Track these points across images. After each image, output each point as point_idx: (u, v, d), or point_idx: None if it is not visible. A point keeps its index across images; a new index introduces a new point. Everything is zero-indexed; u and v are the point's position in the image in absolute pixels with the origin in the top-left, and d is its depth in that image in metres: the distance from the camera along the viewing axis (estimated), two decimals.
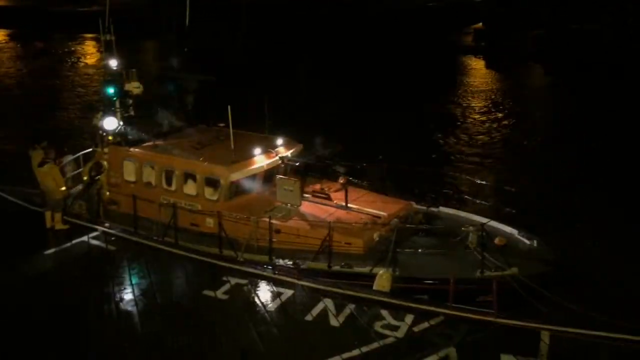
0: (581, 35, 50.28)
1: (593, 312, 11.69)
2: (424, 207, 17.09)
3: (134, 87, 18.08)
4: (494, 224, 15.86)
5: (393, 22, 64.13)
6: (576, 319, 11.86)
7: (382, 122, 32.02)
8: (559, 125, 33.61)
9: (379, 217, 16.08)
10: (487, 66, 52.37)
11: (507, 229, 16.00)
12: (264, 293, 13.65)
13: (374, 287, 13.77)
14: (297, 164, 17.30)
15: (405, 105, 35.90)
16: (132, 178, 17.62)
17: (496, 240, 14.85)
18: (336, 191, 17.17)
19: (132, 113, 18.24)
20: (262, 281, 14.09)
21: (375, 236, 15.56)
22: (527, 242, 15.48)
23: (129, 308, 13.10)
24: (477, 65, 53.68)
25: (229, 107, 15.94)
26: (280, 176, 16.64)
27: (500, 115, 35.71)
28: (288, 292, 13.52)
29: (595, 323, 11.63)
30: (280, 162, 17.14)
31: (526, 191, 20.87)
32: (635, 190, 22.26)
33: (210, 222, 16.14)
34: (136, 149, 17.74)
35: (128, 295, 13.63)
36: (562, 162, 26.15)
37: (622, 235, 18.50)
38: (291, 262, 14.87)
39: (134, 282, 14.21)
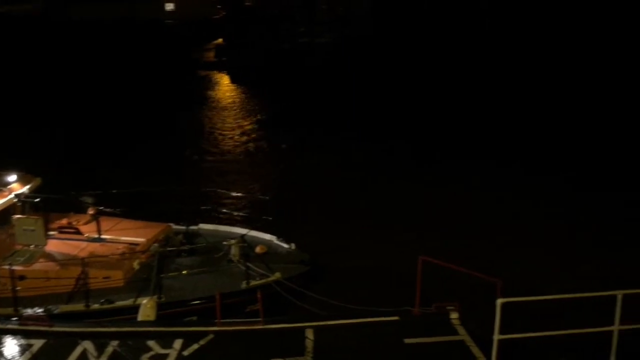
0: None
1: (349, 303, 12.53)
2: (184, 227, 16.77)
3: None
4: (253, 233, 16.17)
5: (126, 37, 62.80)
6: (337, 311, 12.59)
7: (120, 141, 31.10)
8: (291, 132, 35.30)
9: (136, 244, 15.37)
10: (232, 81, 53.83)
11: (266, 236, 16.44)
12: (10, 348, 12.12)
13: (139, 318, 13.09)
14: (36, 200, 15.71)
15: (148, 128, 35.15)
16: None
17: (257, 249, 15.19)
18: (86, 223, 16.02)
19: None
20: (7, 336, 12.50)
21: (136, 265, 14.83)
22: (286, 246, 16.08)
23: None
24: (221, 79, 54.78)
25: None
26: (18, 216, 14.99)
27: (247, 127, 36.77)
28: (39, 342, 12.18)
29: (353, 312, 12.46)
30: (15, 200, 15.42)
31: (278, 197, 21.78)
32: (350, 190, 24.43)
33: None
34: None
35: None
36: (302, 167, 27.74)
37: (365, 229, 20.27)
38: (42, 309, 13.46)
39: None
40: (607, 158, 27.79)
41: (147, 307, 13.15)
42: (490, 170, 25.88)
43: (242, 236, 15.00)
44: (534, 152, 28.76)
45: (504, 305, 10.30)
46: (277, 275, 14.19)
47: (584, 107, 37.30)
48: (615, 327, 10.52)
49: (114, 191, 17.03)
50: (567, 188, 23.93)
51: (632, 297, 10.47)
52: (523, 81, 44.11)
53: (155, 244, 15.27)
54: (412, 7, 67.45)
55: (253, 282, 14.04)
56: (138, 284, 13.89)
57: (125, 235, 15.72)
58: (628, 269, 16.40)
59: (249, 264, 14.31)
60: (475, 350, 11.29)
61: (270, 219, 16.29)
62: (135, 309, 13.30)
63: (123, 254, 14.82)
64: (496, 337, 10.23)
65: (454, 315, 12.34)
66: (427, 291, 12.53)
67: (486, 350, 10.75)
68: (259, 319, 12.35)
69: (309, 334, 11.97)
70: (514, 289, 11.29)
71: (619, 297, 10.31)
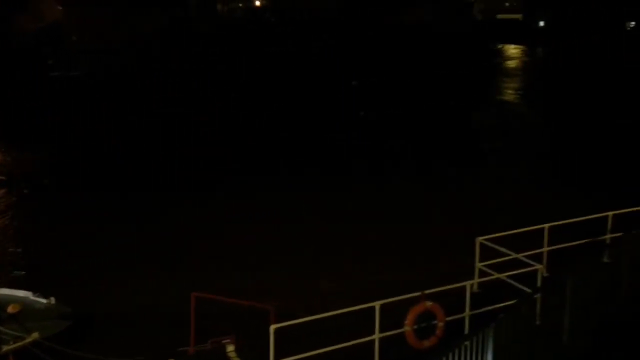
0: None
1: (121, 354, 11.76)
2: None
3: None
4: (5, 291, 14.44)
5: None
6: None
7: None
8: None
9: None
10: None
11: (20, 292, 14.76)
12: None
13: None
14: None
15: None
16: None
17: (9, 309, 13.52)
18: None
19: None
20: None
21: None
22: (44, 301, 14.59)
23: None
24: None
25: None
26: None
27: None
28: None
29: None
30: None
31: (28, 247, 19.67)
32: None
33: None
34: None
35: None
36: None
37: (132, 266, 19.13)
38: None
39: None
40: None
41: None
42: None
43: None
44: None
45: (277, 330, 10.51)
46: (35, 335, 12.75)
47: None
48: (376, 336, 11.34)
49: None
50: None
51: (389, 306, 11.42)
52: None
53: None
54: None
55: (6, 348, 12.43)
56: None
57: None
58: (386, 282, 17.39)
59: None
60: None
61: (23, 272, 14.70)
62: None
63: None
64: None
65: (230, 349, 12.23)
66: (203, 328, 12.27)
67: None
68: None
69: None
70: (290, 312, 11.59)
71: (377, 308, 11.16)
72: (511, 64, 72.50)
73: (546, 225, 14.64)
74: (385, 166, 29.97)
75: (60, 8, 78.94)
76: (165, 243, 19.97)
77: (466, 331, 12.08)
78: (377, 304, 11.11)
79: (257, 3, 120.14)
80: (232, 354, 12.10)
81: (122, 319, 15.12)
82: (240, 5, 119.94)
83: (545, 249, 14.61)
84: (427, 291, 11.90)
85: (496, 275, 13.71)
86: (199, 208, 23.78)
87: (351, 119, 41.70)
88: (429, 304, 11.82)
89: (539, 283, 12.78)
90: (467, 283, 12.48)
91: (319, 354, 10.94)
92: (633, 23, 80.00)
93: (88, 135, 37.30)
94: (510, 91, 53.92)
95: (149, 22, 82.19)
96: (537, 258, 14.09)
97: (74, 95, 51.20)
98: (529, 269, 13.30)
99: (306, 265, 17.88)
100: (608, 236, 14.98)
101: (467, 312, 12.34)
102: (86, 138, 36.57)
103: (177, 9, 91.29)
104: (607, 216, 15.18)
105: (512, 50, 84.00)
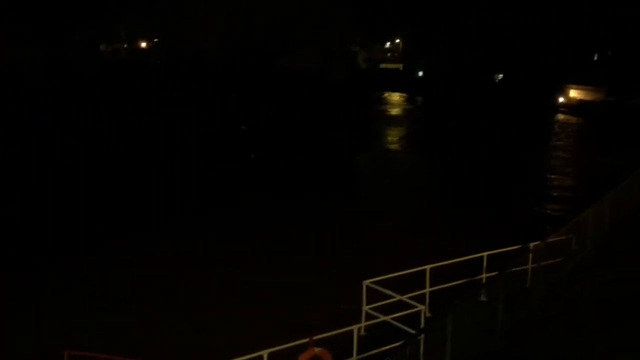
0: None
1: None
2: None
3: None
4: None
5: None
6: None
7: None
8: None
9: None
10: None
11: None
12: None
13: None
14: None
15: None
16: None
17: None
18: None
19: None
20: None
21: None
22: None
23: None
24: None
25: None
26: None
27: None
28: None
29: None
30: None
31: None
32: None
33: None
34: None
35: None
36: None
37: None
38: None
39: None
40: None
41: None
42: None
43: None
44: None
45: None
46: None
47: None
48: None
49: None
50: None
51: (278, 354, 11.17)
52: None
53: None
54: None
55: None
56: None
57: None
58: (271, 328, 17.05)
59: None
60: None
61: None
62: None
63: None
64: None
65: None
66: None
67: None
68: None
69: None
70: None
71: (265, 357, 10.92)
72: (393, 111, 75.83)
73: (427, 267, 15.20)
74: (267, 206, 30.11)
75: None
76: None
77: None
78: (264, 353, 10.93)
79: (143, 45, 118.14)
80: None
81: None
82: (125, 46, 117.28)
83: (427, 290, 15.14)
84: (315, 337, 11.90)
85: (382, 318, 13.98)
86: None
87: (242, 160, 41.87)
88: (317, 349, 11.79)
89: (422, 324, 13.19)
90: (355, 327, 12.61)
91: None
92: (501, 75, 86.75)
93: None
94: (391, 137, 56.26)
95: (28, 59, 78.55)
96: (421, 298, 14.57)
97: None
98: (412, 310, 13.70)
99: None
100: (484, 275, 15.78)
101: (355, 356, 12.44)
102: None
103: (56, 48, 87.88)
104: (482, 257, 16.02)
105: (396, 97, 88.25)
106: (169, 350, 14.88)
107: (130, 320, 16.96)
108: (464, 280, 15.45)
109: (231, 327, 16.39)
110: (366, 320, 14.24)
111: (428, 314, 14.18)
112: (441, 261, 15.47)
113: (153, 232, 25.35)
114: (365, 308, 14.43)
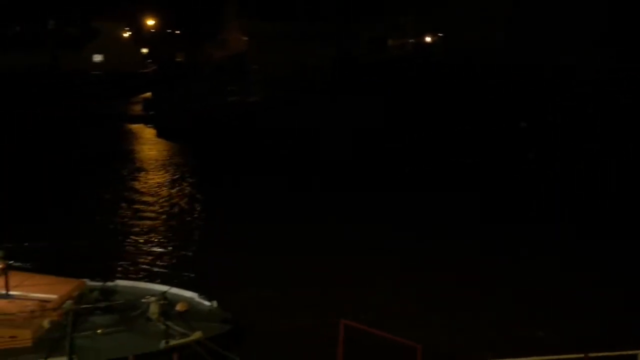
0: None
1: None
2: (100, 283, 16.04)
3: None
4: (174, 290, 15.66)
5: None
6: None
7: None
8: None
9: (47, 301, 14.53)
10: (158, 134, 53.35)
11: (188, 293, 15.95)
12: None
13: None
14: None
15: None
16: None
17: (178, 307, 14.63)
18: None
19: None
20: None
21: (46, 323, 13.96)
22: (207, 304, 15.63)
23: None
24: (147, 134, 54.28)
25: None
26: None
27: (170, 182, 36.13)
28: None
29: None
30: None
31: (200, 254, 21.23)
32: None
33: None
34: None
35: None
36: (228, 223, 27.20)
37: (291, 287, 19.87)
38: None
39: None
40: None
41: None
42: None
43: (164, 293, 14.47)
44: None
45: None
46: (198, 334, 13.68)
47: None
48: None
49: (26, 244, 16.20)
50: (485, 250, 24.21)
51: None
52: None
53: (69, 301, 14.49)
54: None
55: (172, 342, 13.48)
56: (48, 344, 13.07)
57: (36, 291, 14.84)
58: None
59: (168, 323, 13.77)
60: None
61: (192, 275, 15.88)
62: None
63: (32, 311, 13.96)
64: None
65: None
66: (348, 356, 12.35)
67: None
68: None
69: None
70: (436, 354, 11.30)
71: None
72: None
73: None
74: None
75: (245, 39, 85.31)
76: None
77: None
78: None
79: (428, 39, 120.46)
80: None
81: (275, 334, 15.75)
82: (412, 41, 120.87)
83: None
84: None
85: None
86: None
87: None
88: None
89: None
90: None
91: None
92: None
93: None
94: None
95: (319, 55, 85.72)
96: None
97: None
98: None
99: None
100: None
101: None
102: None
103: (349, 41, 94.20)
104: None
105: None
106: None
107: None
108: None
109: None
110: None
111: None
112: None
113: None
114: None
